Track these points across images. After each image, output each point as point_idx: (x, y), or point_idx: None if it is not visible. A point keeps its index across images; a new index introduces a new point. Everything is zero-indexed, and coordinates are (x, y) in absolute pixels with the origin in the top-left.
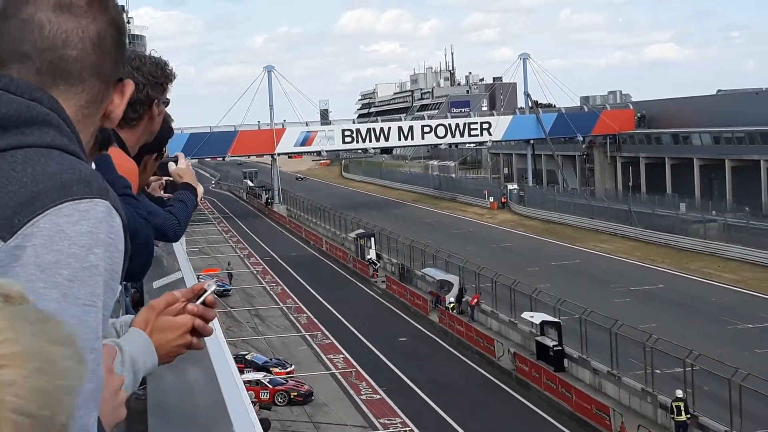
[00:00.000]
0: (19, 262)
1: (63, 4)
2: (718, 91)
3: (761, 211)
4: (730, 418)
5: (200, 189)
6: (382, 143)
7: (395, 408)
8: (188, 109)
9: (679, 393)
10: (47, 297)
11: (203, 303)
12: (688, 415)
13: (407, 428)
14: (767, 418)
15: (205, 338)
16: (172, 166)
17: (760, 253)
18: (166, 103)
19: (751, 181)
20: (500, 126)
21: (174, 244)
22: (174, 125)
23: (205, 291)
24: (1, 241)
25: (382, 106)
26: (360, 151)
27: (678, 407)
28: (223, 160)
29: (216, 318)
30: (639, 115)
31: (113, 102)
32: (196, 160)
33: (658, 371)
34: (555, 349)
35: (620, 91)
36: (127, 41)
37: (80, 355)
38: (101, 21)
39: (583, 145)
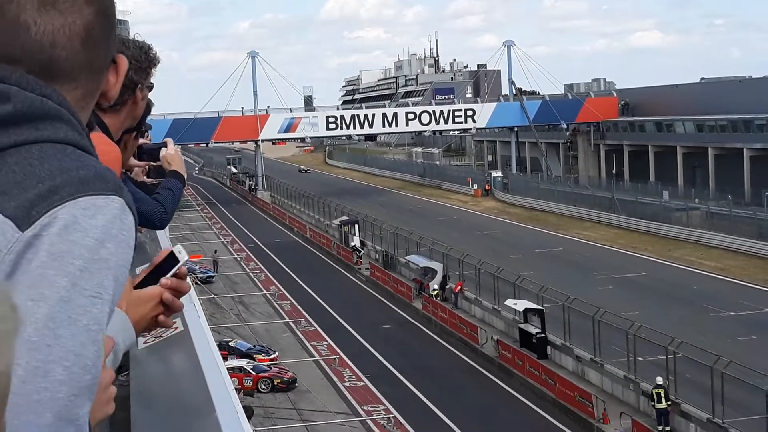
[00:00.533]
0: (32, 250)
1: (48, 2)
2: (702, 79)
3: (744, 199)
4: (712, 405)
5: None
6: (366, 130)
7: (379, 395)
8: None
9: (660, 380)
10: (56, 284)
11: (175, 275)
12: (669, 402)
13: (391, 415)
14: (749, 405)
15: (190, 325)
16: (163, 151)
17: (742, 241)
18: (150, 87)
19: (734, 169)
20: (484, 113)
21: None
22: (157, 111)
23: (177, 260)
24: (18, 231)
25: (367, 92)
26: (344, 137)
27: (658, 394)
28: (207, 146)
29: (198, 301)
30: (623, 102)
31: (109, 82)
32: (180, 146)
33: (640, 358)
34: (538, 336)
35: (604, 79)
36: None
37: (13, 304)
38: (88, 13)
39: (567, 133)
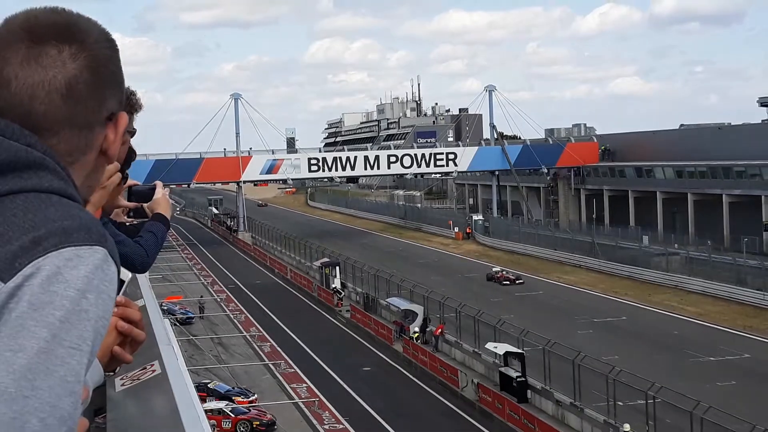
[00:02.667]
0: (14, 300)
1: (31, 56)
2: (681, 125)
3: (723, 245)
4: None
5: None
6: (348, 172)
7: None
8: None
9: (627, 427)
10: (36, 335)
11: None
12: None
13: None
14: None
15: (168, 367)
16: (158, 193)
17: (721, 286)
18: (132, 133)
19: (713, 215)
20: (466, 157)
21: None
22: (140, 151)
23: (121, 281)
24: (1, 282)
25: (349, 135)
26: (326, 179)
27: None
28: (188, 187)
29: (176, 343)
30: (603, 148)
31: (107, 138)
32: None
33: (620, 403)
34: (518, 380)
35: (585, 124)
36: (116, 74)
37: None
38: (72, 68)
39: (548, 177)
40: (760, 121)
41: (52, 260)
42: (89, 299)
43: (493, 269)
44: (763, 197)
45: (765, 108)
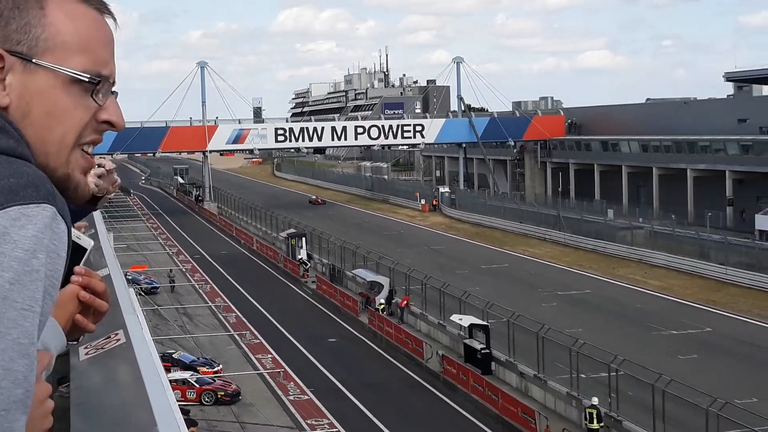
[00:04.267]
0: None
1: None
2: (648, 99)
3: (687, 219)
4: (653, 423)
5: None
6: (315, 143)
7: (323, 409)
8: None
9: (595, 401)
10: None
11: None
12: (601, 423)
13: (334, 429)
14: (689, 423)
15: (132, 336)
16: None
17: (684, 260)
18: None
19: (678, 190)
20: (433, 129)
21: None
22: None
23: (82, 248)
24: None
25: (316, 105)
26: (293, 150)
27: (591, 414)
28: (154, 156)
29: (141, 312)
30: (570, 121)
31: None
32: (126, 154)
33: (583, 375)
34: (483, 352)
35: (552, 97)
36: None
37: None
38: None
39: (515, 150)
40: (725, 96)
41: None
42: (39, 259)
43: None
44: (727, 172)
45: (731, 83)
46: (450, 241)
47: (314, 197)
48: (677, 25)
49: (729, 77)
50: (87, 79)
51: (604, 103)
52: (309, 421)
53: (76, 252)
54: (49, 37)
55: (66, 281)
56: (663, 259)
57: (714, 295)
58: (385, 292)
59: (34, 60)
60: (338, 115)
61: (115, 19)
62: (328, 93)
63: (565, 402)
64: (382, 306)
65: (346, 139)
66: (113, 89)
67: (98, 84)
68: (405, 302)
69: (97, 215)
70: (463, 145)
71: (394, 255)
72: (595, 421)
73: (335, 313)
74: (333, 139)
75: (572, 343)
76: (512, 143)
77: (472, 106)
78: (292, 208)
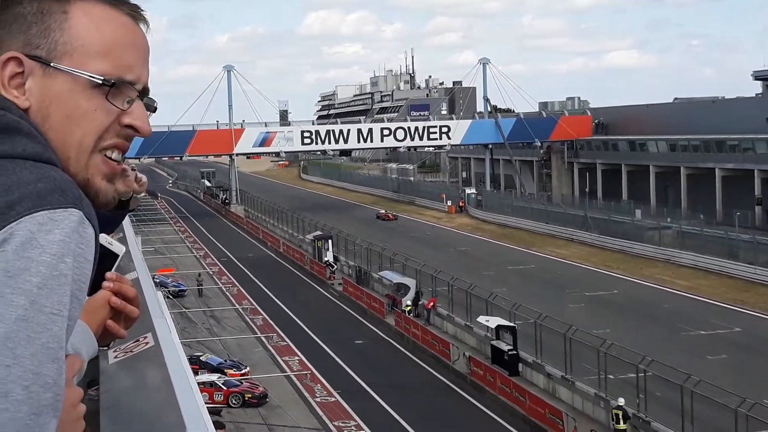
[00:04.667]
0: None
1: None
2: (675, 99)
3: (715, 219)
4: (681, 423)
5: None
6: (341, 145)
7: (350, 410)
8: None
9: (622, 401)
10: (14, 303)
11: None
12: (626, 424)
13: (361, 431)
14: (717, 424)
15: (160, 339)
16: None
17: (712, 260)
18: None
19: (706, 189)
20: (459, 130)
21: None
22: None
23: (114, 254)
24: None
25: (342, 108)
26: (319, 152)
27: (617, 415)
28: (181, 159)
29: (169, 315)
30: (597, 121)
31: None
32: (153, 158)
33: (611, 376)
34: (510, 353)
35: (578, 98)
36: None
37: None
38: None
39: (541, 151)
40: (753, 95)
41: (26, 225)
42: (67, 263)
43: None
44: (755, 171)
45: (759, 81)
46: (476, 242)
47: (383, 211)
48: (704, 23)
49: (757, 76)
50: (101, 82)
51: (631, 102)
52: (336, 423)
53: (107, 258)
54: (69, 41)
55: (97, 287)
56: (691, 259)
57: (743, 295)
58: (411, 294)
59: (52, 63)
60: (364, 117)
61: (148, 24)
62: (354, 95)
63: (593, 403)
64: (409, 308)
65: (372, 141)
66: (150, 95)
67: (112, 87)
68: (431, 304)
69: (125, 219)
70: (490, 146)
71: (420, 257)
72: (621, 421)
73: (362, 315)
74: (359, 141)
75: (600, 344)
76: (539, 144)
77: (498, 107)
78: (319, 211)
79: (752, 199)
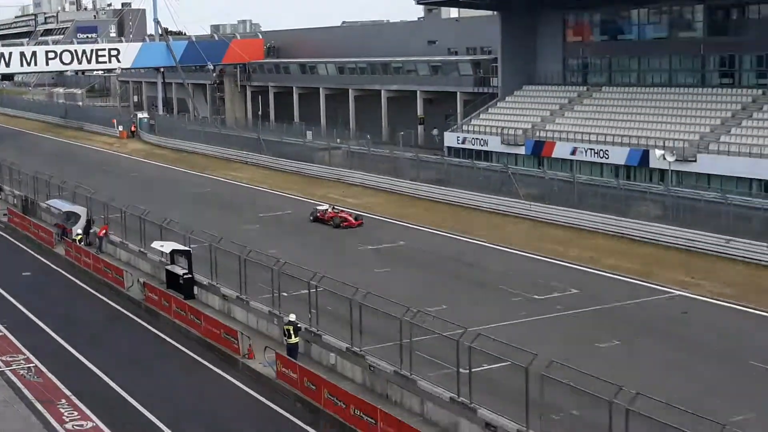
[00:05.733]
0: None
1: None
2: (343, 22)
3: (381, 139)
4: (351, 335)
5: None
6: (3, 69)
7: (18, 344)
8: None
9: (293, 317)
10: None
11: None
12: (297, 338)
13: (32, 364)
14: (383, 333)
15: None
16: None
17: (379, 178)
18: None
19: (373, 110)
20: (129, 53)
21: None
22: None
23: None
24: None
25: (2, 30)
26: None
27: (288, 330)
28: None
29: None
30: (268, 45)
31: None
32: None
33: (285, 294)
34: (185, 277)
35: (250, 21)
36: None
37: None
38: None
39: (214, 74)
40: (416, 19)
41: None
42: None
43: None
44: (418, 92)
45: (421, 6)
46: (151, 167)
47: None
48: None
49: (419, 1)
50: None
51: (302, 26)
52: (4, 358)
53: None
54: None
55: None
56: (360, 178)
57: (407, 210)
58: (82, 222)
59: None
60: (27, 39)
61: None
62: (16, 17)
63: (267, 321)
64: (80, 236)
65: (36, 64)
66: None
67: None
68: (104, 231)
69: None
70: (161, 70)
71: (91, 184)
72: (293, 335)
73: (29, 246)
74: (22, 65)
75: (273, 263)
76: (211, 67)
77: (169, 29)
78: None
79: (415, 118)
